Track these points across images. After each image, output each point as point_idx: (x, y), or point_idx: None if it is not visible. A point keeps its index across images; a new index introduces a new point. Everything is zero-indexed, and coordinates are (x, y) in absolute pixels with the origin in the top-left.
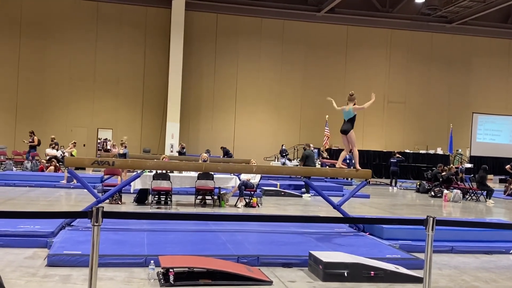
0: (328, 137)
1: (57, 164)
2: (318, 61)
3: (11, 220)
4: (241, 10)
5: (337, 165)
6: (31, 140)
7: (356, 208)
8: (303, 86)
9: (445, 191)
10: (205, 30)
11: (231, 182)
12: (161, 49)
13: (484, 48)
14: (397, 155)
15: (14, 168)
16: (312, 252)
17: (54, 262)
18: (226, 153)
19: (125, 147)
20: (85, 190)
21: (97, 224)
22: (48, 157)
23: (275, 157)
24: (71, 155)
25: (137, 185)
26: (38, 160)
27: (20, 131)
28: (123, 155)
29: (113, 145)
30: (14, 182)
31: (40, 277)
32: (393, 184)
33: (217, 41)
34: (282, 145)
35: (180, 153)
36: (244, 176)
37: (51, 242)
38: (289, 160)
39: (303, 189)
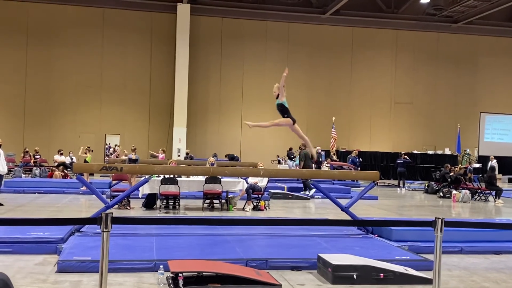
0: (335, 139)
1: (65, 171)
2: (324, 63)
3: (21, 227)
4: (246, 14)
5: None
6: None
7: (364, 210)
8: (309, 88)
9: (454, 192)
10: (210, 34)
11: (238, 185)
12: (167, 54)
13: (491, 47)
14: (404, 156)
15: (23, 175)
16: (320, 255)
17: (64, 268)
18: (232, 159)
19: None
20: (94, 195)
21: (106, 230)
22: (56, 164)
23: (283, 160)
24: (85, 161)
25: (145, 190)
26: (47, 166)
27: (28, 138)
28: (135, 161)
29: (163, 150)
30: (23, 188)
31: (51, 283)
32: (401, 185)
33: (223, 45)
34: (291, 148)
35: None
36: (251, 180)
37: (61, 248)
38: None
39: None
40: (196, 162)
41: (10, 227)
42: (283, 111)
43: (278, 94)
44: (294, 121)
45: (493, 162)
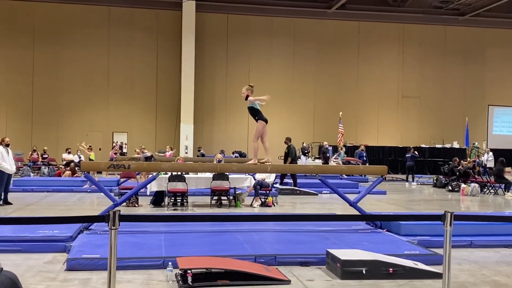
0: (343, 134)
1: (75, 169)
2: (330, 58)
3: (30, 225)
4: (251, 10)
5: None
6: None
7: (372, 204)
8: (315, 83)
9: (463, 185)
10: (216, 31)
11: (246, 182)
12: (173, 51)
13: (498, 40)
14: (413, 151)
15: (32, 174)
16: (329, 250)
17: (73, 266)
18: (240, 155)
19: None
20: (102, 193)
21: (114, 227)
22: (64, 162)
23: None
24: (90, 159)
25: (153, 187)
26: (55, 165)
27: (36, 137)
28: (150, 157)
29: (170, 147)
30: (31, 187)
31: (60, 281)
32: (410, 179)
33: (229, 41)
34: (303, 143)
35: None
36: (259, 176)
37: (70, 247)
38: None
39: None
40: (204, 159)
41: (19, 226)
42: (254, 113)
43: (247, 96)
44: (266, 121)
45: (489, 155)
